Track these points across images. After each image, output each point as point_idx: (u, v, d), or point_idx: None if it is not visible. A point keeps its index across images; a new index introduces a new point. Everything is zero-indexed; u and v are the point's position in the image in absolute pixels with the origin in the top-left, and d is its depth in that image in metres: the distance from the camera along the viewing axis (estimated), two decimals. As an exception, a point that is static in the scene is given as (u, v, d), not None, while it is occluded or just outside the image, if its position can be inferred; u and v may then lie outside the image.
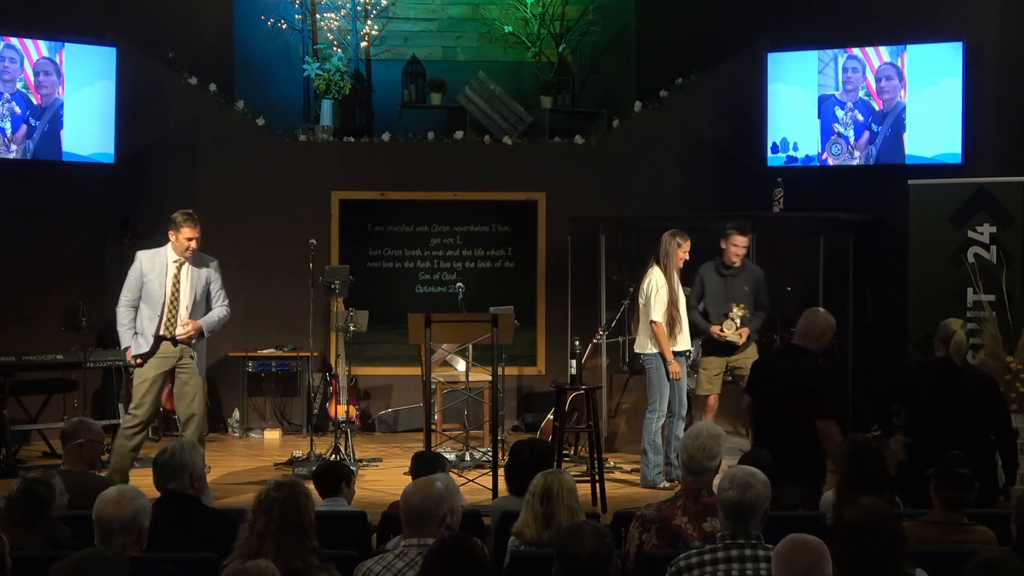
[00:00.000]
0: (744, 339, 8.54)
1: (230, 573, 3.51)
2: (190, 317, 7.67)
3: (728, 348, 8.58)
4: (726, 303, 8.58)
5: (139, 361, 7.63)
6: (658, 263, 8.26)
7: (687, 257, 8.30)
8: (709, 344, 8.65)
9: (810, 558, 3.51)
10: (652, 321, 8.19)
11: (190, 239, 7.66)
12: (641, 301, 8.33)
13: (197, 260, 7.75)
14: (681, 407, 8.33)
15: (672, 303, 8.18)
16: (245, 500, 4.16)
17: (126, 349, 7.68)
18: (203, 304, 7.80)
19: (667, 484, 8.17)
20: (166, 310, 7.67)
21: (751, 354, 8.64)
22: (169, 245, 7.73)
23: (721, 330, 8.50)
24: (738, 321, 8.48)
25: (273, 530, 3.93)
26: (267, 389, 10.74)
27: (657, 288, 8.19)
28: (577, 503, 4.52)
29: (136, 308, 7.67)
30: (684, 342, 8.29)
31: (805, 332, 6.40)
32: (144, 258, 7.72)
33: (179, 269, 7.70)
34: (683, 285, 8.58)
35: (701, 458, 4.55)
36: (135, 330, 7.66)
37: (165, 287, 7.66)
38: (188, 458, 4.87)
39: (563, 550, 3.58)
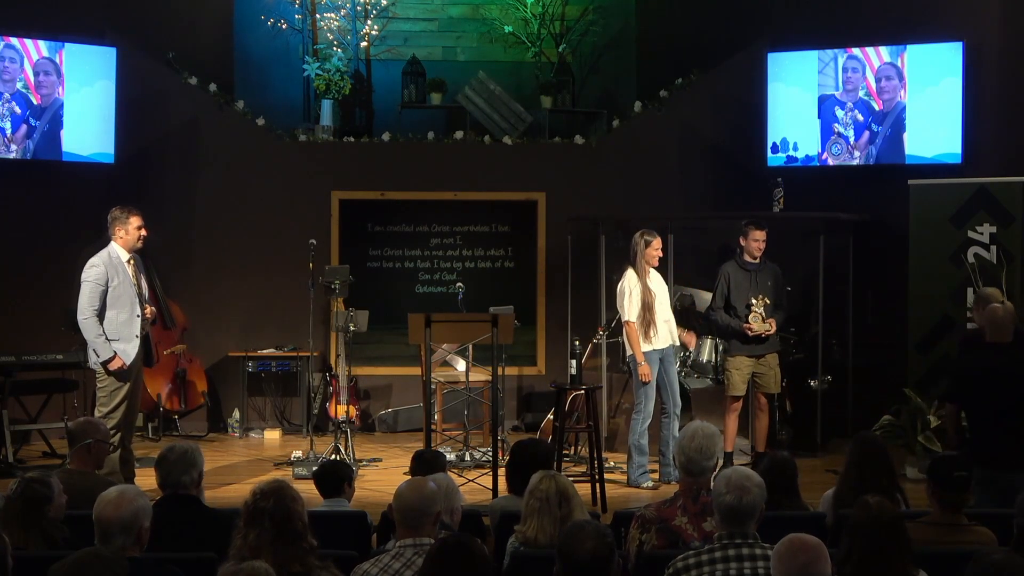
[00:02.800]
0: (774, 329, 8.51)
1: (225, 574, 3.50)
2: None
3: (757, 344, 8.52)
4: (752, 297, 8.54)
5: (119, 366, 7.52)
6: (631, 264, 8.28)
7: (659, 255, 8.29)
8: (737, 342, 8.60)
9: (808, 557, 3.52)
10: (625, 322, 8.22)
11: (140, 227, 7.62)
12: (617, 304, 8.35)
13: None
14: (675, 406, 8.32)
15: (645, 304, 8.18)
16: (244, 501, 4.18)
17: (110, 360, 7.45)
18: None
19: (650, 484, 8.20)
20: (138, 309, 7.64)
21: (772, 363, 8.61)
22: (114, 244, 7.59)
23: (750, 326, 8.48)
24: (762, 312, 8.44)
25: (267, 542, 3.90)
26: (267, 389, 10.73)
27: (630, 290, 8.21)
28: (580, 500, 4.54)
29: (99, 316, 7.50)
30: (663, 340, 8.28)
31: (999, 327, 6.46)
32: (103, 262, 7.52)
33: (135, 266, 7.68)
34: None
35: (699, 459, 4.55)
36: (111, 337, 7.50)
37: (133, 286, 7.60)
38: (197, 458, 4.89)
39: (564, 550, 3.58)
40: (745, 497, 3.99)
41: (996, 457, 6.16)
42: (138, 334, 7.61)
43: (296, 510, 4.00)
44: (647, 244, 8.23)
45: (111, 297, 7.54)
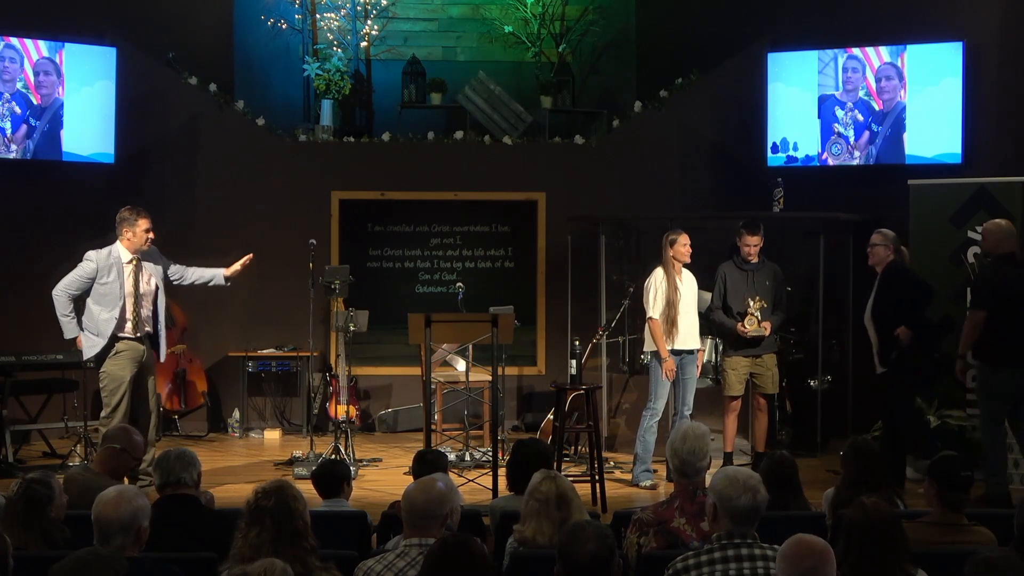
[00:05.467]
0: (768, 331, 8.50)
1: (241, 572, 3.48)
2: (154, 309, 7.83)
3: (752, 345, 8.51)
4: (750, 297, 8.52)
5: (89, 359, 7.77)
6: (661, 264, 8.32)
7: (687, 250, 8.29)
8: (734, 343, 8.59)
9: (814, 561, 3.48)
10: (649, 318, 8.24)
11: (148, 230, 7.68)
12: (643, 300, 8.38)
13: (144, 255, 7.80)
14: (685, 407, 8.32)
15: (669, 302, 8.19)
16: (244, 500, 4.18)
17: (74, 339, 7.74)
18: (163, 294, 7.93)
19: (649, 483, 8.23)
20: (129, 310, 7.69)
21: (770, 364, 8.61)
22: (119, 244, 7.70)
23: (744, 327, 8.47)
24: (758, 314, 8.41)
25: (267, 540, 3.89)
26: (267, 389, 10.73)
27: (655, 287, 8.24)
28: (580, 501, 4.53)
29: (74, 301, 7.73)
30: (683, 341, 8.29)
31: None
32: (99, 259, 7.67)
33: (135, 268, 7.70)
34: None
35: (693, 460, 4.55)
36: (91, 331, 7.71)
37: (125, 287, 7.67)
38: (194, 459, 4.91)
39: (565, 550, 3.57)
40: (758, 496, 3.98)
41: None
42: (113, 333, 7.68)
43: (298, 509, 4.00)
44: (672, 243, 8.26)
45: (97, 294, 7.68)
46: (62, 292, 7.72)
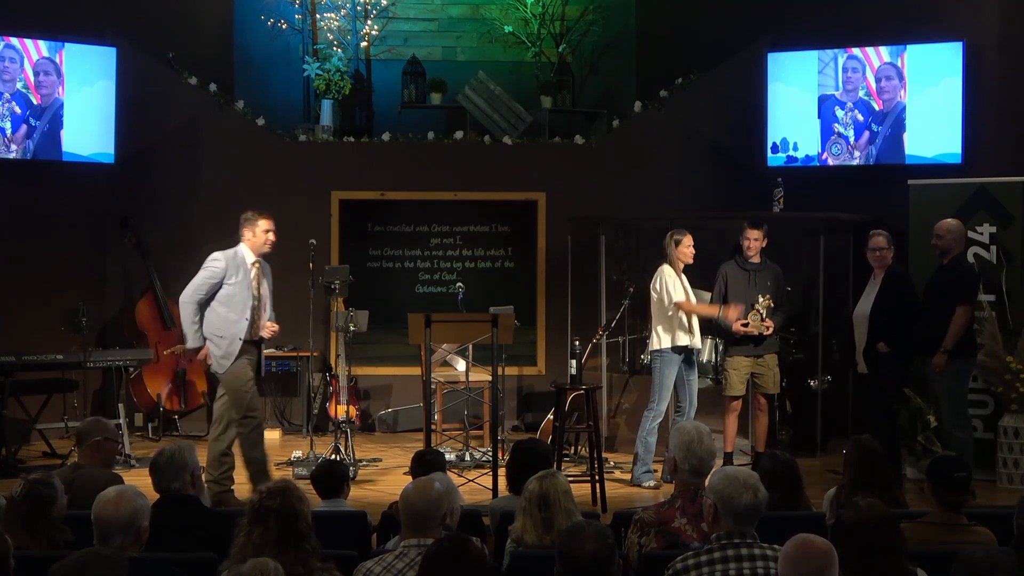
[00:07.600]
0: (771, 331, 8.50)
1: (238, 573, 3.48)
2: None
3: (753, 344, 8.51)
4: (751, 297, 8.49)
5: (207, 361, 7.46)
6: (668, 262, 8.34)
7: (691, 251, 8.30)
8: (734, 342, 8.58)
9: (820, 563, 3.47)
10: (675, 304, 8.21)
11: (268, 231, 7.57)
12: (654, 296, 8.33)
13: (264, 263, 7.66)
14: (691, 407, 8.32)
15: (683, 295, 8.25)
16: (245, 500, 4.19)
17: (198, 349, 7.39)
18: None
19: (652, 484, 8.22)
20: (253, 312, 7.50)
21: (772, 363, 8.60)
22: (243, 245, 7.54)
23: (746, 323, 8.44)
24: (763, 311, 8.41)
25: (271, 541, 3.89)
26: (267, 389, 10.69)
27: (666, 280, 8.25)
28: (573, 504, 4.51)
29: (202, 308, 7.40)
30: (687, 338, 8.28)
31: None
32: (227, 258, 7.44)
33: (259, 271, 7.59)
34: (700, 288, 8.61)
35: (709, 459, 4.54)
36: (218, 334, 7.41)
37: (251, 289, 7.48)
38: (188, 458, 4.88)
39: (565, 550, 3.57)
40: (759, 494, 3.98)
41: None
42: (242, 337, 7.44)
43: (302, 510, 4.00)
44: (677, 243, 8.28)
45: (225, 295, 7.43)
46: (190, 299, 7.36)
